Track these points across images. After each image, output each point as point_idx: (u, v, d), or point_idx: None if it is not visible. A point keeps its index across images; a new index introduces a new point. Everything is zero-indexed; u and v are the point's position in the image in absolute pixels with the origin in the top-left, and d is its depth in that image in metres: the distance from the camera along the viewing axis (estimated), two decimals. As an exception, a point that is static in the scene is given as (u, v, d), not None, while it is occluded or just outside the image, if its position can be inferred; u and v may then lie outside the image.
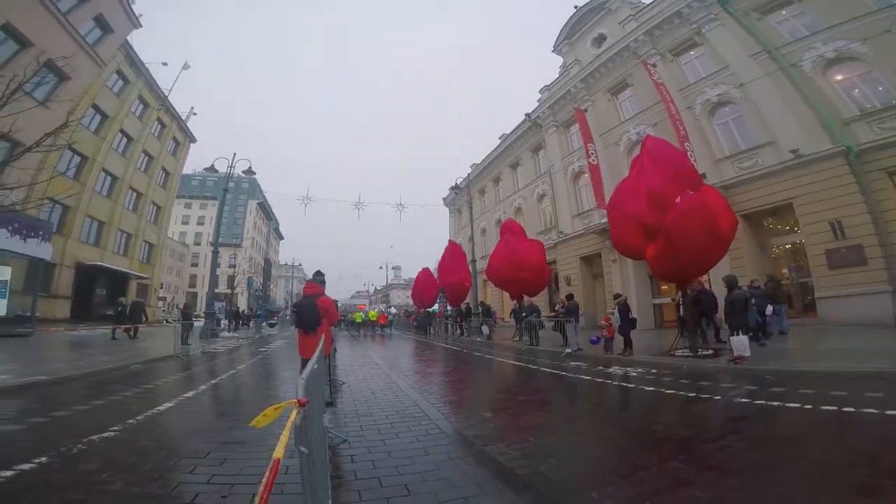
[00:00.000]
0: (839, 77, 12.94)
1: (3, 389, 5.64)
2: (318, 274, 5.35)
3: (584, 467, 3.07)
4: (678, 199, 8.44)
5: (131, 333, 14.22)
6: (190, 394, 5.96)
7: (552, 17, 26.95)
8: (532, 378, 7.81)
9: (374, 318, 26.87)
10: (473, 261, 20.72)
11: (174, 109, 28.97)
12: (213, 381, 7.12)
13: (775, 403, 4.59)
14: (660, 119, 16.49)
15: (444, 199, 37.20)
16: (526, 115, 24.75)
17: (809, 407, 4.34)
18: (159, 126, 27.96)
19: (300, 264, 72.92)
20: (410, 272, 79.33)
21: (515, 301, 15.77)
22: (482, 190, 31.51)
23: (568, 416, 5.26)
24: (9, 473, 2.77)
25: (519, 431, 4.17)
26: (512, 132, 27.00)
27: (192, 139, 32.41)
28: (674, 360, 8.07)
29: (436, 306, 26.13)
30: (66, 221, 20.06)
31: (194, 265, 57.53)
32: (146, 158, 26.95)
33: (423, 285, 24.07)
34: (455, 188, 27.31)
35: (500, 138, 28.75)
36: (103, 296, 22.95)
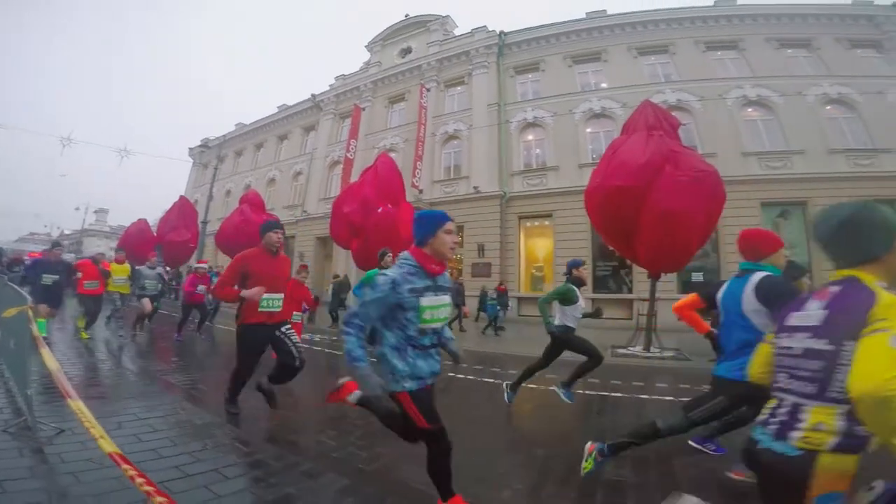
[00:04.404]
0: (529, 137, 17.53)
1: None
2: None
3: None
4: (380, 210, 11.29)
5: None
6: None
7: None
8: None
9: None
10: (205, 221, 19.66)
11: None
12: None
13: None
14: (412, 137, 19.09)
15: (190, 149, 32.45)
16: (312, 95, 24.96)
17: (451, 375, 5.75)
18: None
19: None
20: (124, 220, 64.15)
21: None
22: (240, 151, 29.43)
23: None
24: None
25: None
26: (293, 106, 26.65)
27: None
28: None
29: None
30: None
31: None
32: None
33: (136, 238, 20.35)
34: (205, 143, 24.79)
35: (278, 107, 27.83)
36: None
